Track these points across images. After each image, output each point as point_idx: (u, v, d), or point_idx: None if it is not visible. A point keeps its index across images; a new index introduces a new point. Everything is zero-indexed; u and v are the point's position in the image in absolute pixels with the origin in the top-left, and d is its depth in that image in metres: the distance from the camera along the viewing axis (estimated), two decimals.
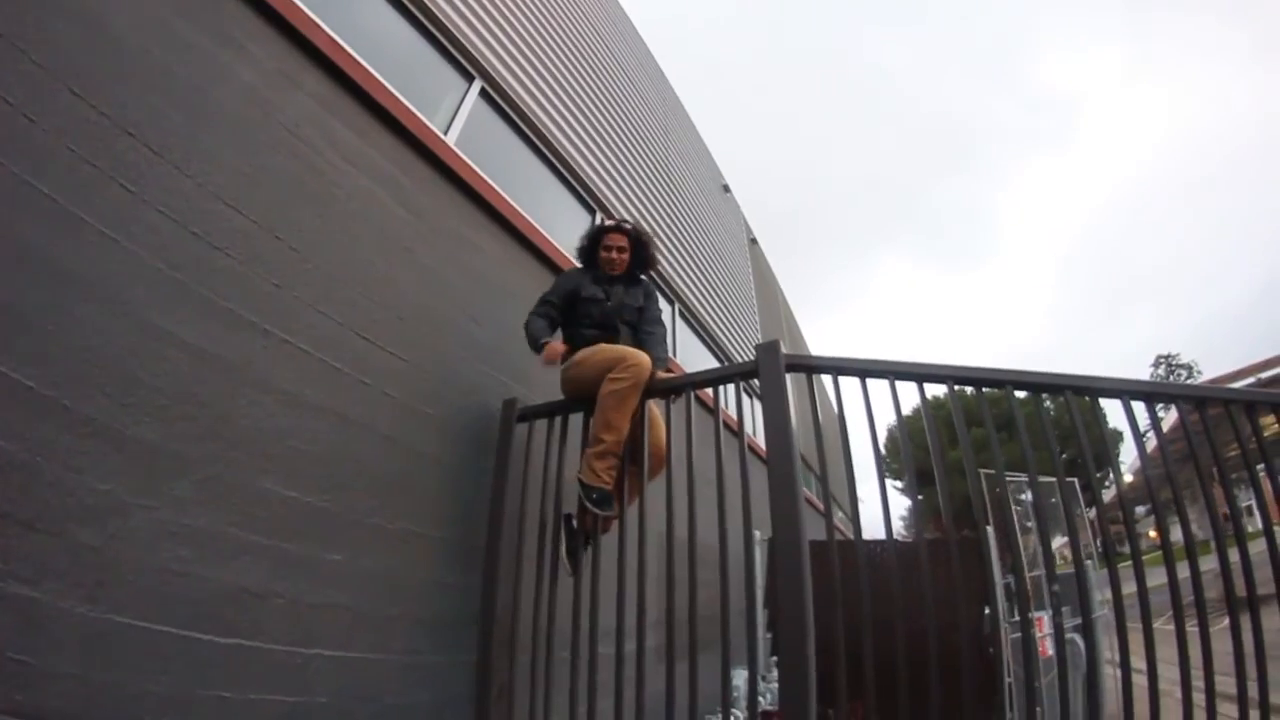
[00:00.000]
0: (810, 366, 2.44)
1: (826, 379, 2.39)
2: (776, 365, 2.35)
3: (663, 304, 5.95)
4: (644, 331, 2.87)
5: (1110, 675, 2.89)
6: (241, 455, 1.85)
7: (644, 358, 2.49)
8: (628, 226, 3.00)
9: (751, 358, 2.43)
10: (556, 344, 2.69)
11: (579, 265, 3.08)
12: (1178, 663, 1.86)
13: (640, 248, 2.98)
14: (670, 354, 2.94)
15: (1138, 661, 1.84)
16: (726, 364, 6.84)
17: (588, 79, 5.41)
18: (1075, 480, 2.44)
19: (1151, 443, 2.34)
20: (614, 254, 2.92)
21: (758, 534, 2.27)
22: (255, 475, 1.88)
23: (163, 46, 1.87)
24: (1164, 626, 1.83)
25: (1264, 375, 8.85)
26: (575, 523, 2.55)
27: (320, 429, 2.11)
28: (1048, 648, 4.46)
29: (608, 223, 3.02)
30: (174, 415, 1.70)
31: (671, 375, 2.65)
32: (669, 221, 6.54)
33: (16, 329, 1.43)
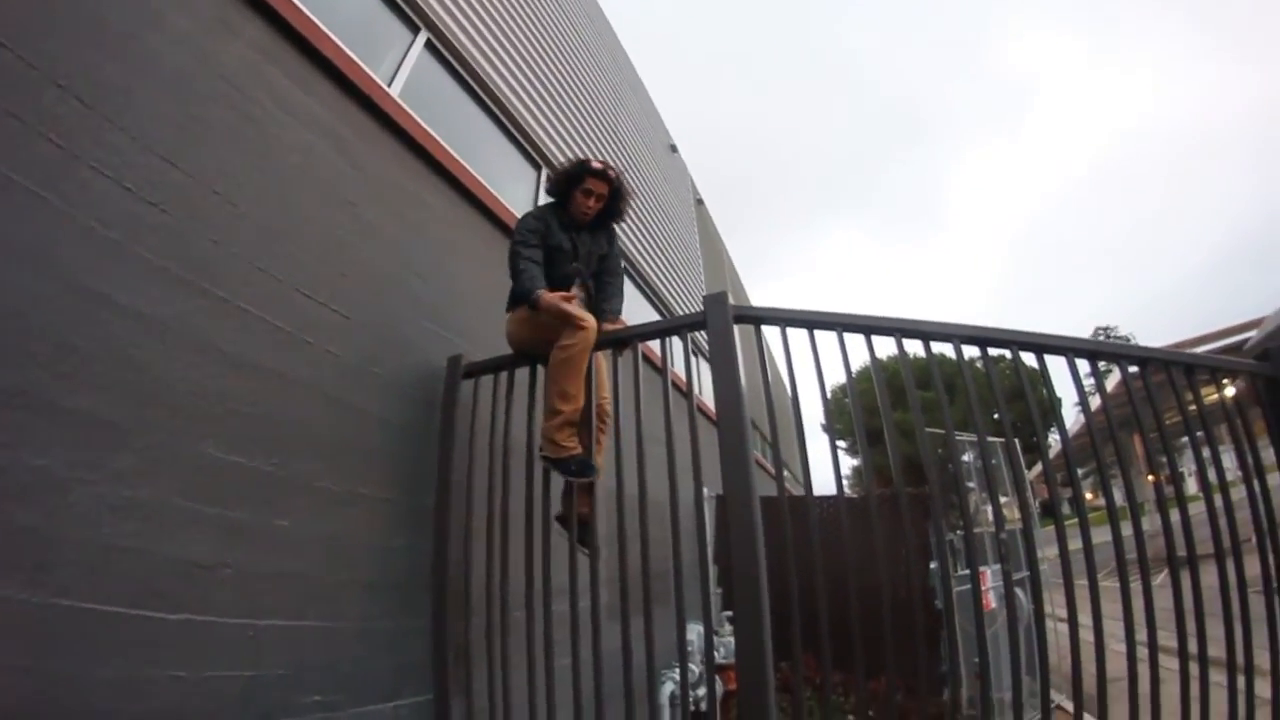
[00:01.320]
0: (758, 317, 2.43)
1: (774, 332, 2.39)
2: (725, 315, 2.36)
3: None
4: (604, 280, 2.84)
5: (1052, 629, 3.13)
6: (183, 421, 1.77)
7: (589, 319, 2.43)
8: (613, 173, 2.75)
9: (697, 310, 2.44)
10: (565, 296, 2.51)
11: (548, 201, 2.87)
12: (1121, 617, 2.00)
13: (617, 198, 2.80)
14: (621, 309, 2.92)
15: (1083, 617, 1.98)
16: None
17: (537, 33, 5.22)
18: (1018, 440, 2.57)
19: (1095, 403, 2.47)
20: (592, 201, 2.72)
21: (707, 490, 2.32)
22: (197, 440, 1.80)
23: None
24: (1105, 582, 1.99)
25: (1220, 344, 9.44)
26: (566, 516, 2.54)
27: (263, 390, 2.04)
28: (991, 601, 4.83)
29: (593, 163, 2.73)
30: (110, 382, 1.60)
31: (616, 328, 2.63)
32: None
33: None
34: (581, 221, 2.76)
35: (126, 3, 1.81)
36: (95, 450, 1.54)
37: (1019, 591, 3.92)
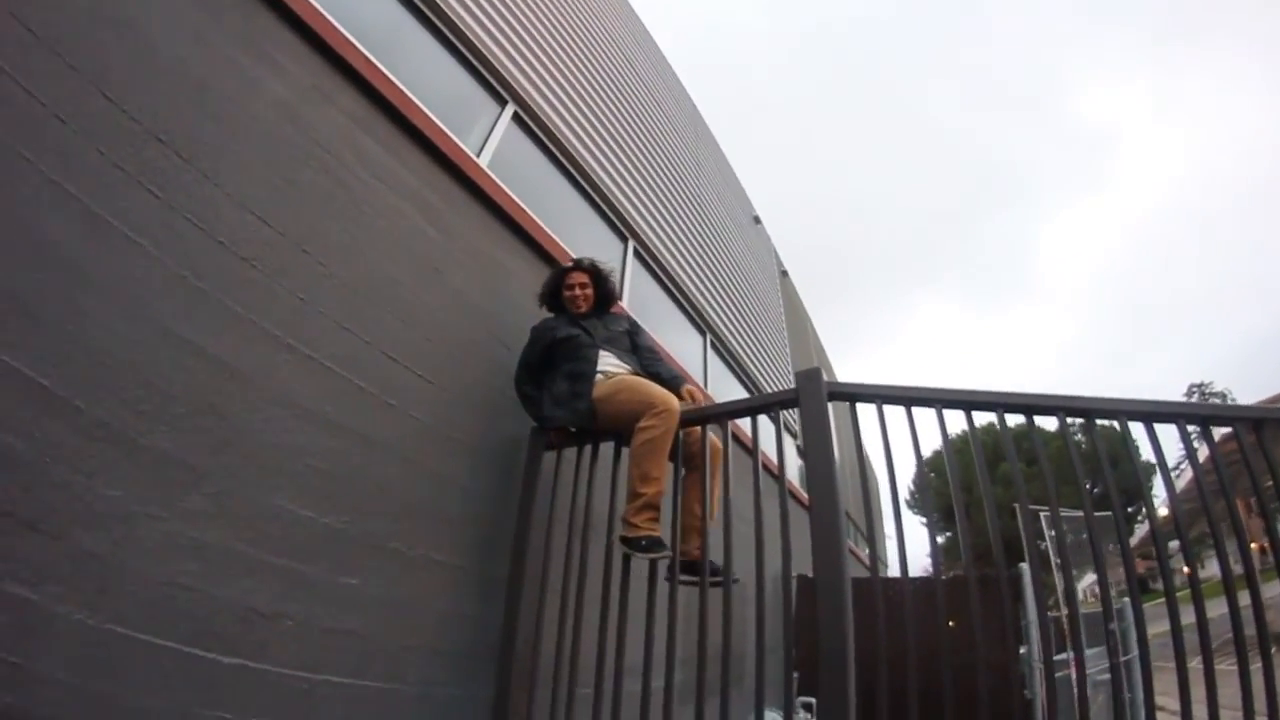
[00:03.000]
0: (853, 394, 2.31)
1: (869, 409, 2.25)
2: (819, 393, 2.24)
3: (694, 335, 5.87)
4: (645, 357, 2.85)
5: None
6: (257, 470, 1.79)
7: (672, 400, 2.39)
8: (585, 263, 2.99)
9: (783, 388, 2.33)
10: (555, 436, 2.70)
11: (547, 316, 3.01)
12: (1240, 706, 1.66)
13: (601, 282, 2.97)
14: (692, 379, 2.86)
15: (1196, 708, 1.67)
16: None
17: (619, 105, 5.45)
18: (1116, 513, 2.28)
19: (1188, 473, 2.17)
20: (577, 291, 2.90)
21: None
22: (270, 492, 1.81)
23: (197, 57, 1.88)
24: (1221, 666, 1.64)
25: None
26: (692, 562, 2.38)
27: (340, 448, 2.05)
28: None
29: (566, 264, 3.03)
30: (189, 425, 1.65)
31: (695, 392, 2.58)
32: (699, 250, 6.50)
33: (34, 327, 1.40)
34: (581, 314, 2.89)
35: (226, 68, 1.97)
36: (167, 489, 1.57)
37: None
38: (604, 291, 2.98)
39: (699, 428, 2.48)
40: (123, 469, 1.49)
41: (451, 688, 2.21)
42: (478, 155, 3.17)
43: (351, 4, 2.66)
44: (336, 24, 2.39)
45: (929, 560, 2.22)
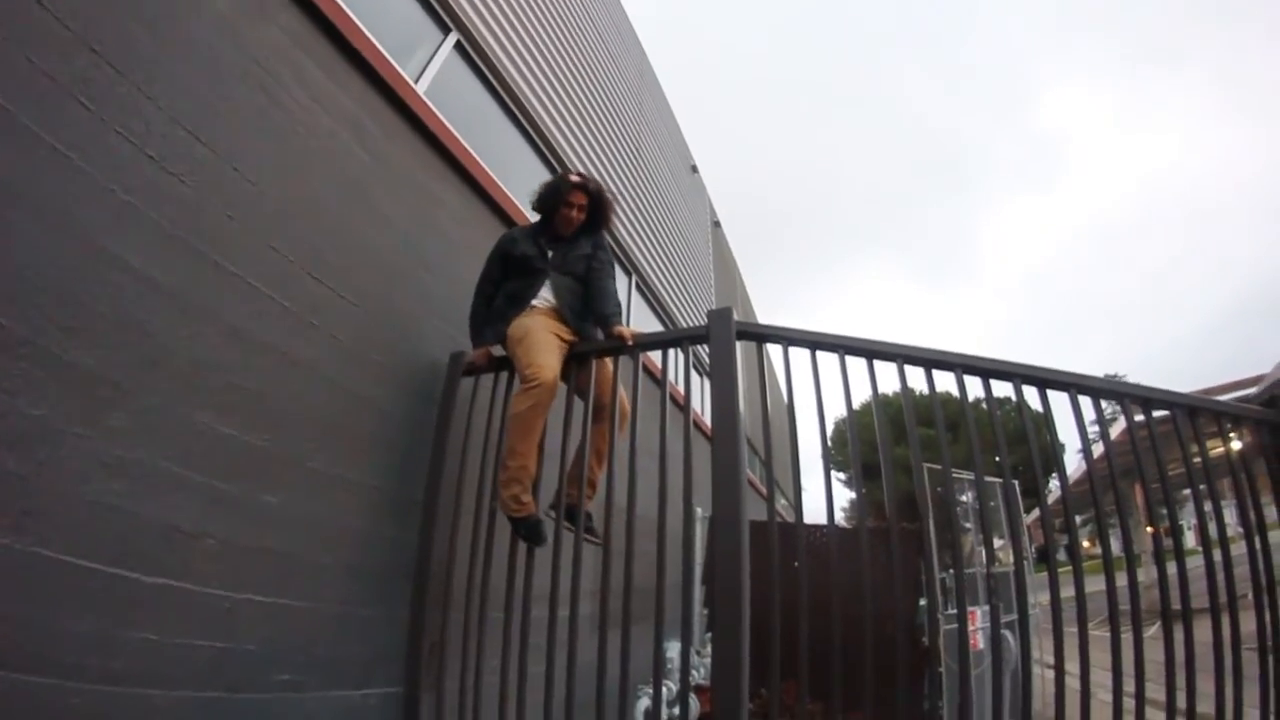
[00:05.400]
0: (761, 334, 2.42)
1: (777, 351, 2.39)
2: (728, 330, 2.35)
3: (620, 275, 5.95)
4: (592, 283, 2.77)
5: (1038, 675, 3.06)
6: (181, 388, 1.78)
7: (546, 373, 2.39)
8: (592, 184, 2.85)
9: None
10: (478, 355, 2.73)
11: (533, 219, 2.96)
12: (1110, 667, 1.95)
13: (599, 206, 2.86)
14: (623, 314, 2.90)
15: (1070, 665, 1.94)
16: None
17: (566, 42, 5.33)
18: (1017, 483, 2.53)
19: (1098, 449, 2.42)
20: (574, 212, 2.80)
21: (699, 510, 2.31)
22: (194, 409, 1.81)
23: None
24: (1096, 631, 1.93)
25: (1228, 396, 9.34)
26: (571, 508, 2.46)
27: (263, 366, 2.06)
28: (979, 641, 4.77)
29: (572, 178, 2.84)
30: (115, 342, 1.63)
31: (622, 333, 2.60)
32: (633, 191, 6.52)
33: None
34: (565, 233, 2.83)
35: None
36: (93, 407, 1.56)
37: (1007, 634, 3.87)
38: (596, 219, 2.88)
39: (610, 371, 2.59)
40: (47, 387, 1.47)
41: (368, 607, 2.31)
42: (415, 82, 3.07)
43: None
44: None
45: (842, 515, 2.41)
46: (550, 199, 2.82)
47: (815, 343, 2.31)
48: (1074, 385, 2.20)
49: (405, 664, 2.36)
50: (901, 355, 2.28)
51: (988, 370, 2.24)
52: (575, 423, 2.50)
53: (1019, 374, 2.23)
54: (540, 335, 2.51)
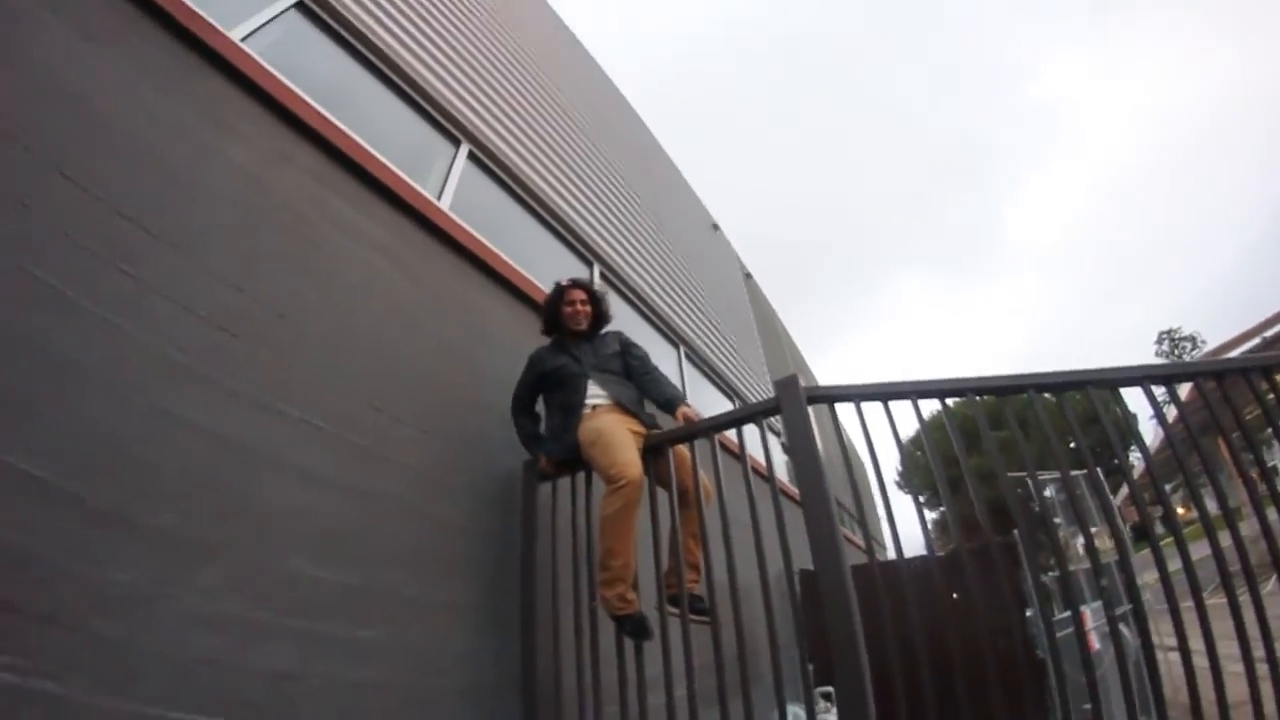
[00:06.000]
0: (831, 396, 2.38)
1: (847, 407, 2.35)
2: (798, 399, 2.30)
3: (668, 349, 5.92)
4: (644, 381, 2.82)
5: (1164, 660, 2.76)
6: (265, 537, 1.80)
7: (633, 471, 2.36)
8: (581, 281, 3.01)
9: (762, 395, 2.39)
10: (545, 464, 2.73)
11: (545, 341, 3.03)
12: (1234, 636, 1.78)
13: (597, 303, 2.98)
14: (681, 393, 2.88)
15: (1194, 643, 1.77)
16: (741, 404, 6.76)
17: (569, 131, 5.52)
18: (1100, 469, 2.40)
19: (1171, 416, 2.30)
20: (578, 307, 2.91)
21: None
22: (279, 556, 1.82)
23: (152, 127, 1.90)
24: (1212, 600, 1.74)
25: (1268, 334, 8.78)
26: (674, 597, 2.39)
27: (343, 504, 2.07)
28: (1094, 641, 4.33)
29: (563, 281, 3.02)
30: (192, 500, 1.66)
31: (691, 415, 2.60)
32: (663, 264, 6.57)
33: (22, 420, 1.40)
34: (581, 329, 2.91)
35: (182, 135, 1.99)
36: (179, 566, 1.57)
37: (1123, 628, 3.49)
38: (599, 312, 2.99)
39: (687, 455, 2.54)
40: (131, 552, 1.49)
41: None
42: (438, 198, 3.20)
43: (300, 62, 2.69)
44: (289, 83, 2.42)
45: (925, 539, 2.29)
46: (552, 309, 2.97)
47: (886, 395, 2.27)
48: (1145, 378, 2.14)
49: None
50: (973, 389, 2.25)
51: (1058, 385, 2.20)
52: (662, 513, 2.47)
53: (1091, 380, 2.17)
54: (615, 433, 2.49)
